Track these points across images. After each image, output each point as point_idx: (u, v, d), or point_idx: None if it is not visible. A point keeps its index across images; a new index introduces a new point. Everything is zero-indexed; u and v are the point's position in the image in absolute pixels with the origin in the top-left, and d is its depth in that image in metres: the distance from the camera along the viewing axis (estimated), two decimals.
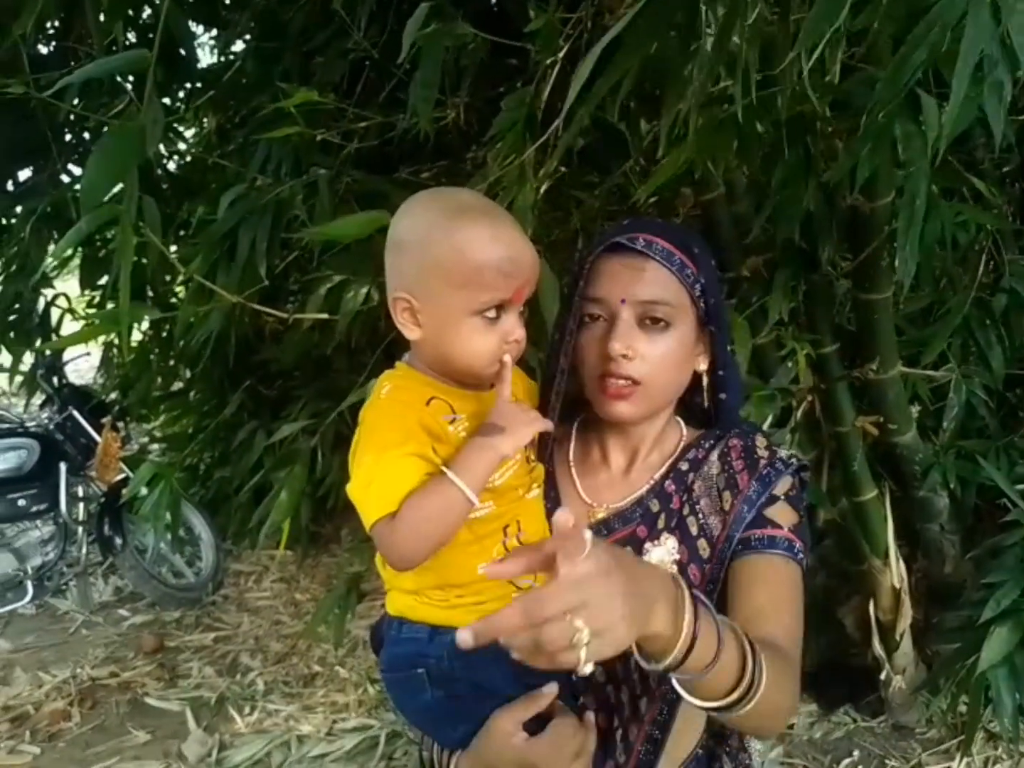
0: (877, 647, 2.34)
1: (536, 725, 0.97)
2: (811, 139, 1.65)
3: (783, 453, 1.09)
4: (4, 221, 3.30)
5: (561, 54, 1.74)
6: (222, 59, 3.38)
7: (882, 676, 2.39)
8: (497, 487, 0.99)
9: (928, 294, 2.30)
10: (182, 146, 3.74)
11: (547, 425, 0.99)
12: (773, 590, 1.01)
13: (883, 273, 1.87)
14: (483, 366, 0.97)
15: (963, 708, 2.39)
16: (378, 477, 0.92)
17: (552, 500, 1.13)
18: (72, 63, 2.53)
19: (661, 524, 1.07)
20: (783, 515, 1.04)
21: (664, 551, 1.05)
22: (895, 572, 2.28)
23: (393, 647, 1.06)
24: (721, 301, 1.09)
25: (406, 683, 1.04)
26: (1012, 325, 2.22)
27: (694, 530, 1.06)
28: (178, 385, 4.44)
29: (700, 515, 1.06)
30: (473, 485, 0.90)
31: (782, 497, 1.05)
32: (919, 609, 2.42)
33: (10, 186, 3.28)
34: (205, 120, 3.51)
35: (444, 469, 0.91)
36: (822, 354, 2.11)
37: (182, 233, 3.28)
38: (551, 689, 0.98)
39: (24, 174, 3.26)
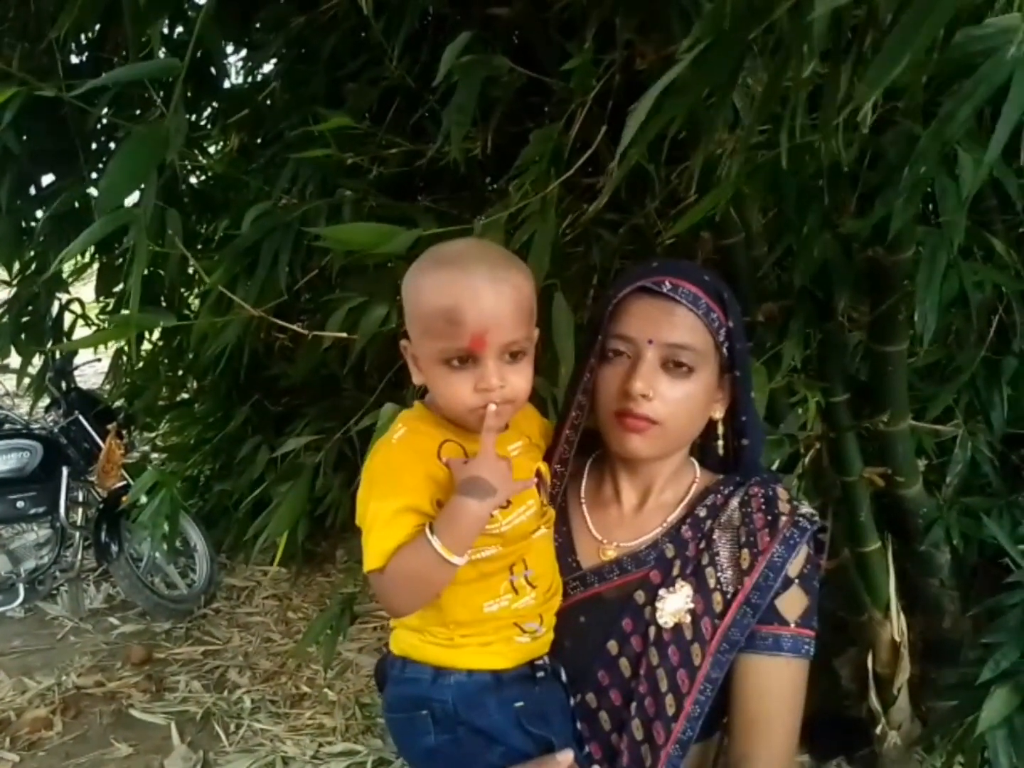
0: (874, 700, 2.32)
1: None
2: (837, 191, 1.68)
3: (804, 509, 1.07)
4: (25, 224, 3.32)
5: (592, 94, 1.78)
6: (249, 80, 3.44)
7: (877, 730, 2.36)
8: (505, 533, 0.98)
9: (936, 350, 2.32)
10: (204, 161, 3.78)
11: (533, 482, 1.00)
12: (770, 702, 1.02)
13: (900, 326, 1.88)
14: (460, 413, 0.96)
15: None
16: (374, 528, 0.93)
17: (564, 535, 1.14)
18: (104, 74, 2.58)
19: (676, 571, 1.06)
20: (793, 604, 1.04)
21: (680, 599, 1.04)
22: (896, 625, 2.26)
23: (396, 687, 1.04)
24: (746, 347, 1.10)
25: (409, 724, 1.02)
26: (1019, 386, 2.24)
27: (711, 582, 1.04)
28: (184, 396, 4.46)
29: (719, 567, 1.05)
30: (455, 547, 0.90)
31: (796, 580, 1.04)
32: (915, 664, 2.39)
33: (33, 191, 3.30)
34: (229, 138, 3.55)
35: (427, 531, 0.91)
36: (832, 403, 2.11)
37: (200, 247, 3.32)
38: (566, 757, 0.98)
39: (47, 180, 3.29)
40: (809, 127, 1.47)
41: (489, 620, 1.00)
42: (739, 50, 0.91)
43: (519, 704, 0.99)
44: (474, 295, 0.90)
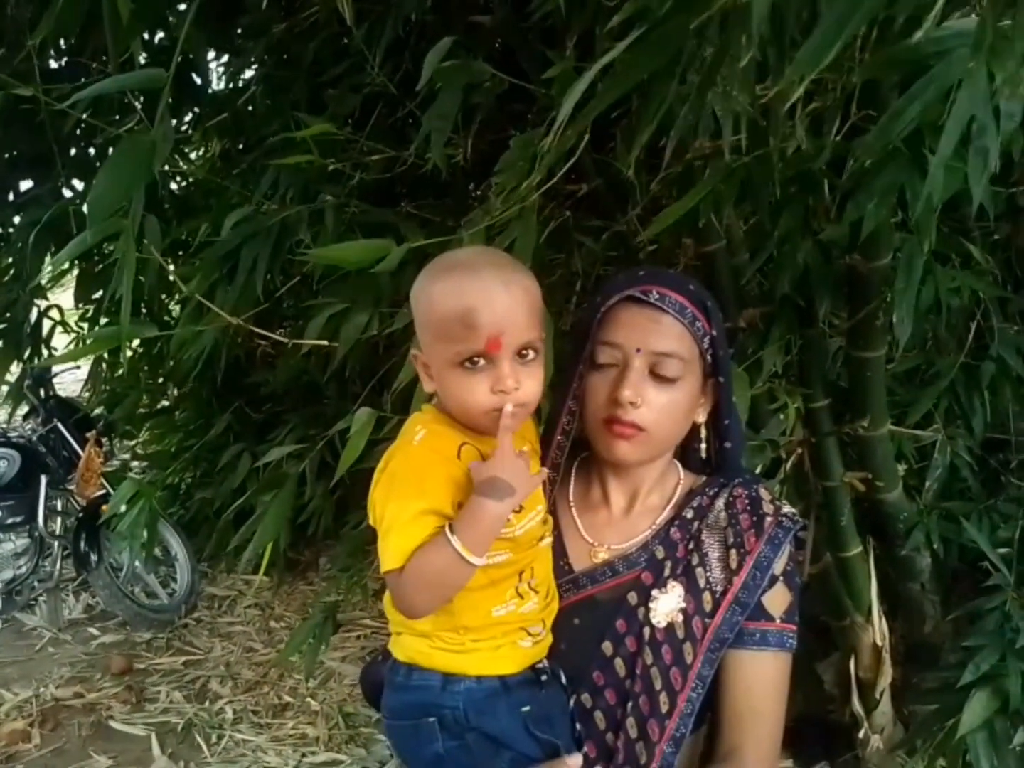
0: (856, 705, 2.33)
1: None
2: (812, 197, 1.69)
3: (787, 509, 1.11)
4: (2, 231, 3.29)
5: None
6: (230, 85, 3.42)
7: (860, 734, 2.37)
8: (517, 537, 0.99)
9: (915, 356, 2.34)
10: (185, 167, 3.76)
11: (544, 475, 1.02)
12: (758, 695, 1.06)
13: (878, 332, 1.89)
14: (475, 415, 0.97)
15: None
16: (393, 529, 0.94)
17: (555, 538, 1.14)
18: (83, 79, 2.55)
19: (667, 572, 1.09)
20: (778, 600, 1.08)
21: (672, 599, 1.07)
22: (877, 630, 2.28)
23: (401, 694, 1.04)
24: (728, 353, 1.13)
25: (415, 732, 1.02)
26: (997, 391, 2.26)
27: (701, 582, 1.07)
28: (164, 403, 4.42)
29: (708, 567, 1.08)
30: (474, 547, 0.91)
31: (780, 577, 1.08)
32: (897, 668, 2.41)
33: (10, 196, 3.27)
34: (210, 143, 3.54)
35: (447, 531, 0.91)
36: (813, 408, 2.12)
37: (180, 253, 3.30)
38: (576, 761, 1.00)
39: (25, 185, 3.26)
40: (787, 132, 1.48)
41: (497, 624, 1.02)
42: (678, 37, 0.91)
43: (526, 709, 1.01)
44: (488, 297, 0.92)
